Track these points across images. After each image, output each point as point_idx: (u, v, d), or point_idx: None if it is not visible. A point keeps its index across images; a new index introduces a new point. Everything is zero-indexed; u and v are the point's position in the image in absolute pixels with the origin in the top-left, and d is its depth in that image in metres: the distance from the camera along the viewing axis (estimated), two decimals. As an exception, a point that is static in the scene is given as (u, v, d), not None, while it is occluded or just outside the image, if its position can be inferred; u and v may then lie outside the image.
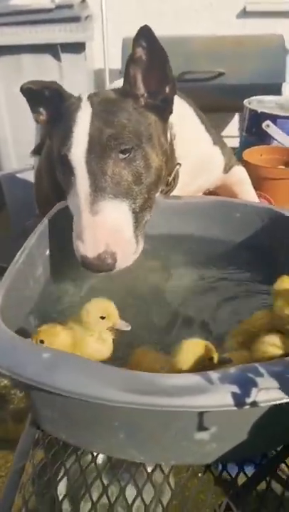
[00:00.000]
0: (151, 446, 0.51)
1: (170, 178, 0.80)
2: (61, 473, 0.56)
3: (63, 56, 2.05)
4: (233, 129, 2.47)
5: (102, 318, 0.54)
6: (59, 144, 0.65)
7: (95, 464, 0.56)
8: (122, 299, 0.70)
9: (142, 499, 0.52)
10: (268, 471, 0.53)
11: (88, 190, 0.62)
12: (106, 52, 2.31)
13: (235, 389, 0.42)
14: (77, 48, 2.03)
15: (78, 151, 0.63)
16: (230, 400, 0.42)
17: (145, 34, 0.63)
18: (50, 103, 0.71)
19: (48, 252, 0.69)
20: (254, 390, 0.42)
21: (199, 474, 0.55)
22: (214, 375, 0.43)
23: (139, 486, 0.53)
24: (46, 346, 0.49)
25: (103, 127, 0.64)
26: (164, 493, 0.54)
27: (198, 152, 0.87)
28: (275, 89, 2.26)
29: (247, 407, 0.42)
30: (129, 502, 0.51)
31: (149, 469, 0.55)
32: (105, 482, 0.54)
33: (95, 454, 0.56)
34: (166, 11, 2.50)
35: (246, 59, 2.20)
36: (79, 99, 0.70)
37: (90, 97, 0.70)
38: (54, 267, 0.72)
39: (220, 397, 0.42)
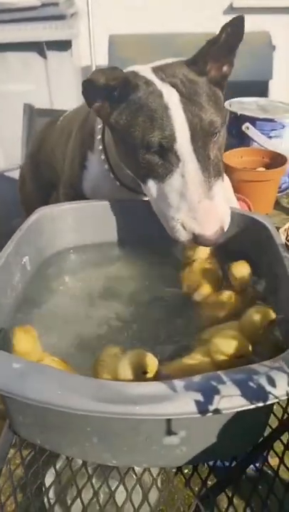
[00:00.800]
0: (123, 450, 0.53)
1: None
2: (39, 479, 0.57)
3: (49, 54, 2.04)
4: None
5: (145, 373, 0.50)
6: (148, 131, 0.66)
7: (71, 468, 0.57)
8: (104, 299, 0.72)
9: (115, 501, 0.54)
10: (237, 473, 0.55)
11: (202, 178, 0.66)
12: (92, 49, 2.30)
13: (199, 397, 0.44)
14: (63, 45, 2.02)
15: (184, 140, 0.66)
16: (193, 408, 0.43)
17: (235, 24, 0.67)
18: (112, 90, 0.68)
19: (25, 259, 0.70)
20: (217, 398, 0.44)
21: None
22: (179, 383, 0.45)
23: (112, 488, 0.55)
24: (17, 356, 0.50)
25: (199, 113, 0.67)
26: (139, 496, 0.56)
27: None
28: (262, 87, 2.26)
29: (210, 414, 0.43)
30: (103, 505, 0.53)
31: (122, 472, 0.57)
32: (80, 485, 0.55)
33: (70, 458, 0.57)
34: (153, 7, 2.49)
35: (233, 56, 2.20)
36: (148, 81, 0.70)
37: (164, 76, 0.70)
38: (32, 274, 0.73)
39: (183, 404, 0.43)
